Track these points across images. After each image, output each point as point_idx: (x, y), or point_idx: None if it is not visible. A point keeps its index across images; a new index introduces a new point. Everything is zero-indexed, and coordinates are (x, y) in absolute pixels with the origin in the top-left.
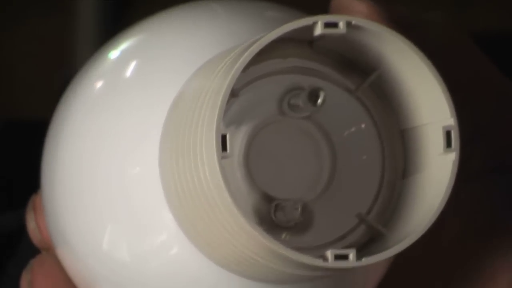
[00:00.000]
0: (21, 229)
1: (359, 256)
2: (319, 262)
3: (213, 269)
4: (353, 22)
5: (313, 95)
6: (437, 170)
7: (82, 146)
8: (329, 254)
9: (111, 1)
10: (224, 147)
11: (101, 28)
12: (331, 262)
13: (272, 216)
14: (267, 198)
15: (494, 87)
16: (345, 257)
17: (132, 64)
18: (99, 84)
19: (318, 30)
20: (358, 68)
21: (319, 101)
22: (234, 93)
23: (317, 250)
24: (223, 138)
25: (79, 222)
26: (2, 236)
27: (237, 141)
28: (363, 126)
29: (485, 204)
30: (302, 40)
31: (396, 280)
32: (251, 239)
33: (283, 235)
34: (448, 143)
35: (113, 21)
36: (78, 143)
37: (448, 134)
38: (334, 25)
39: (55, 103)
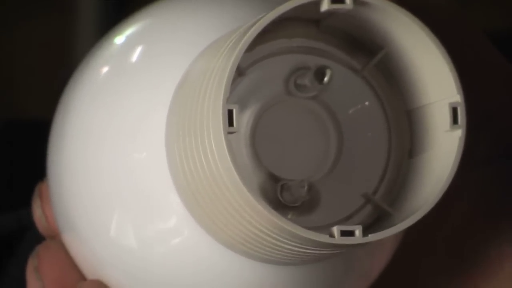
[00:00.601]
0: (21, 229)
1: (365, 234)
2: (325, 238)
3: (224, 254)
4: None
5: (319, 73)
6: (443, 148)
7: (88, 131)
8: (336, 230)
9: (112, 1)
10: (230, 121)
11: (102, 28)
12: (337, 238)
13: (278, 196)
14: (273, 178)
15: (500, 72)
16: (351, 233)
17: (138, 48)
18: (104, 69)
19: (325, 6)
20: (364, 47)
21: (326, 79)
22: (240, 72)
23: (323, 230)
24: (230, 112)
25: (86, 208)
26: (2, 236)
27: (244, 120)
28: (369, 106)
29: (491, 189)
30: (309, 20)
31: (401, 262)
32: (256, 214)
33: (289, 215)
34: (455, 120)
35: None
36: (84, 128)
37: (454, 111)
38: (341, 0)
39: (55, 103)
